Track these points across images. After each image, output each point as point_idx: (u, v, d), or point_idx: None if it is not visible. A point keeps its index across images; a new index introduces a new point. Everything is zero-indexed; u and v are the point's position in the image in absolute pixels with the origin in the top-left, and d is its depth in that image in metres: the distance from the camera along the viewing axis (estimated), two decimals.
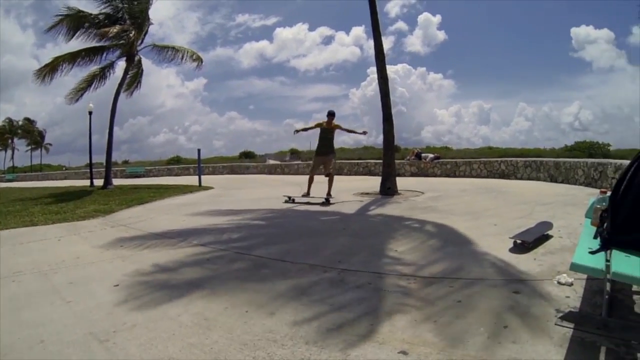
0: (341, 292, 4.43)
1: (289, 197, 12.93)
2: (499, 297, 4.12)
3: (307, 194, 13.04)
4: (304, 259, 5.82)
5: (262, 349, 3.22)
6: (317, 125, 13.18)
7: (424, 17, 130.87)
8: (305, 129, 13.84)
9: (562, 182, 16.07)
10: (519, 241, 5.99)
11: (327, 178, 13.04)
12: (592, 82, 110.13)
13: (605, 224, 3.85)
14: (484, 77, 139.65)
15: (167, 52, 25.53)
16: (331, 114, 12.98)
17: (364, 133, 14.32)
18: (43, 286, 5.17)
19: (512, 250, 5.81)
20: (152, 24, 25.23)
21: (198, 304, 4.26)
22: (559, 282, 4.41)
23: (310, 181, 13.47)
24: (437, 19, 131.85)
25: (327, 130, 13.03)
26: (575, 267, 3.17)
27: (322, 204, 11.99)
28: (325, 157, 13.15)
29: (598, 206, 4.37)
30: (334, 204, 11.98)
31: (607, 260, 3.34)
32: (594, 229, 4.27)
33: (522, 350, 3.04)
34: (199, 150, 23.47)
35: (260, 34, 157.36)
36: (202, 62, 26.10)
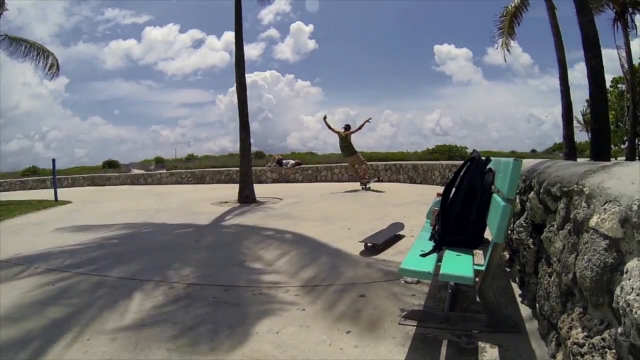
0: (184, 308, 4.30)
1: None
2: (345, 302, 4.18)
3: (362, 184, 16.42)
4: (152, 276, 5.57)
5: None
6: (337, 132, 16.33)
7: (296, 26, 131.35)
8: (329, 126, 16.58)
9: (420, 182, 17.16)
10: (369, 244, 6.16)
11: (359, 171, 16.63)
12: (452, 93, 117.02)
13: (437, 226, 4.03)
14: (351, 85, 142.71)
15: (21, 46, 22.67)
16: (346, 127, 16.43)
17: (369, 121, 16.92)
18: None
19: (362, 253, 5.98)
20: (7, 9, 22.17)
21: (52, 344, 3.75)
22: (405, 282, 4.57)
23: (355, 174, 17.36)
24: (310, 28, 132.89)
25: (343, 139, 16.12)
26: (403, 272, 3.33)
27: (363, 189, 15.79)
28: (350, 157, 16.53)
29: (435, 208, 4.58)
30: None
31: (439, 261, 3.48)
32: (429, 230, 4.47)
33: (363, 354, 3.09)
34: (53, 161, 22.00)
35: (130, 32, 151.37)
36: (58, 69, 23.54)
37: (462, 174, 3.98)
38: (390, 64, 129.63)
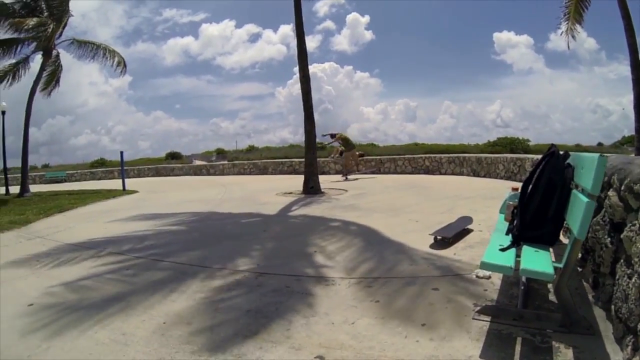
0: (258, 297, 4.38)
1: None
2: (418, 295, 4.17)
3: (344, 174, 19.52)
4: (223, 264, 5.73)
5: None
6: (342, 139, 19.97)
7: (352, 17, 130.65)
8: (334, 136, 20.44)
9: (484, 176, 16.67)
10: (439, 237, 6.10)
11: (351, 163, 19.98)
12: (513, 82, 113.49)
13: (515, 221, 3.97)
14: (410, 76, 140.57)
15: (88, 48, 23.98)
16: (332, 136, 20.22)
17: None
18: None
19: (432, 246, 5.92)
20: (72, 15, 23.52)
21: (116, 318, 4.08)
22: (477, 276, 4.52)
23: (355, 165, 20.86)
24: (366, 19, 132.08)
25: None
26: (485, 266, 3.24)
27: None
28: (351, 151, 19.80)
29: (510, 202, 4.50)
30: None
31: (518, 256, 3.43)
32: (507, 224, 4.40)
33: (439, 347, 3.07)
34: (121, 153, 22.64)
35: (188, 30, 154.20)
36: (125, 66, 24.72)
37: (540, 168, 3.90)
38: (449, 54, 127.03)
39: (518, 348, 3.04)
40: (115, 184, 23.94)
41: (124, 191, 19.60)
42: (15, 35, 21.79)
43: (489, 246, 3.80)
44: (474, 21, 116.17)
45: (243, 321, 3.80)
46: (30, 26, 20.60)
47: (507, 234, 4.15)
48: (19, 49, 22.57)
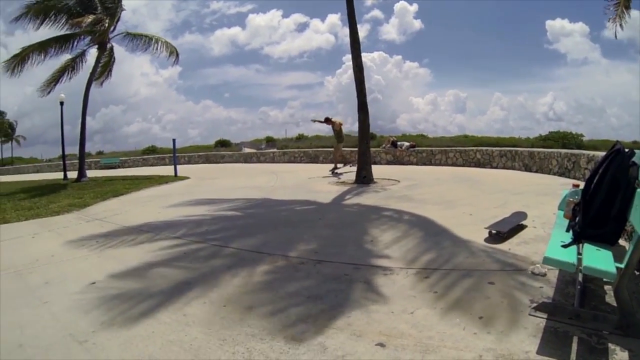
0: (317, 284, 4.47)
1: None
2: (475, 288, 4.18)
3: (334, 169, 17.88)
4: (281, 250, 5.84)
5: (241, 343, 3.24)
6: (333, 122, 17.97)
7: (400, 5, 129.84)
8: (320, 121, 18.60)
9: (536, 171, 16.18)
10: (494, 231, 6.05)
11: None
12: (566, 74, 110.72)
13: (577, 218, 3.91)
14: (460, 66, 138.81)
15: (140, 41, 24.72)
16: (325, 120, 18.05)
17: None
18: (18, 287, 5.11)
19: (487, 240, 5.88)
20: (124, 10, 24.34)
21: (176, 300, 4.25)
22: (532, 273, 4.47)
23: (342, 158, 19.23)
24: (414, 7, 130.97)
25: (333, 128, 17.99)
26: (547, 261, 3.24)
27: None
28: (342, 144, 18.29)
29: (570, 199, 4.44)
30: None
31: (579, 254, 3.41)
32: (567, 221, 4.34)
33: (496, 340, 3.10)
34: (174, 140, 23.16)
35: (235, 20, 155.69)
36: (177, 56, 25.44)
37: (605, 166, 3.84)
38: (500, 43, 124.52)
39: (574, 347, 3.03)
40: (166, 170, 24.39)
41: (176, 177, 20.04)
42: (71, 31, 22.60)
43: (550, 242, 3.78)
44: (525, 8, 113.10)
45: (303, 307, 3.89)
46: (87, 23, 21.24)
47: (567, 230, 4.11)
48: (75, 44, 23.47)
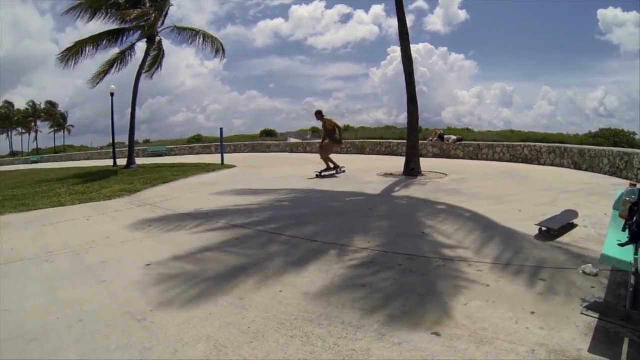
0: (372, 273, 4.52)
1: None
2: (526, 283, 4.18)
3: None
4: (334, 240, 5.90)
5: (299, 328, 3.34)
6: (335, 125, 15.27)
7: None
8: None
9: (586, 170, 15.70)
10: (544, 228, 5.97)
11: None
12: (619, 67, 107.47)
13: (635, 217, 3.81)
14: (507, 59, 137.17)
15: (187, 34, 25.41)
16: (316, 113, 15.53)
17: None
18: (76, 266, 5.35)
19: (537, 237, 5.83)
20: (172, 5, 25.07)
21: (231, 284, 4.37)
22: (584, 272, 4.44)
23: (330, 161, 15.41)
24: None
25: (324, 127, 15.53)
26: (605, 259, 3.28)
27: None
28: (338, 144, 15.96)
29: (627, 199, 4.34)
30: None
31: (635, 254, 3.34)
32: (622, 221, 4.24)
33: (548, 336, 3.11)
34: (221, 129, 23.27)
35: (279, 12, 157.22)
36: (224, 51, 26.05)
37: None
38: (549, 35, 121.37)
39: (625, 348, 3.01)
40: (213, 158, 24.68)
41: (223, 165, 20.22)
42: (121, 26, 23.45)
43: (607, 240, 3.81)
44: None
45: (358, 294, 3.97)
46: (135, 15, 22.12)
47: (623, 230, 4.02)
48: (125, 37, 24.22)
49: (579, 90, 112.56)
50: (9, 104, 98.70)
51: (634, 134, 34.83)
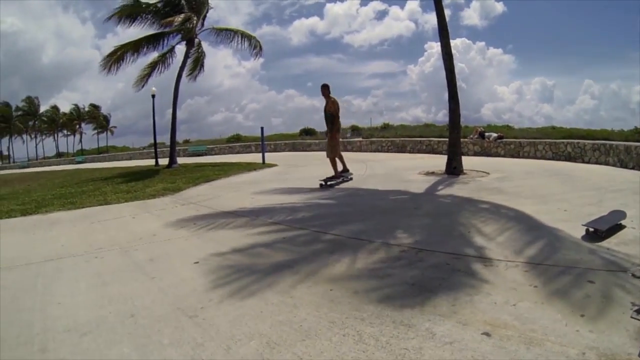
0: (420, 272, 4.54)
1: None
2: (574, 285, 4.14)
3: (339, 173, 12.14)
4: (381, 238, 5.93)
5: (351, 327, 3.39)
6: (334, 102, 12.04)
7: None
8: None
9: (633, 168, 15.16)
10: (591, 229, 5.87)
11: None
12: None
13: None
14: (547, 52, 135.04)
15: (226, 35, 25.88)
16: (322, 87, 12.12)
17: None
18: (125, 262, 5.54)
19: (584, 238, 5.74)
20: (211, 8, 25.87)
21: (281, 282, 4.45)
22: (633, 275, 4.37)
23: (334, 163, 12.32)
24: None
25: (324, 109, 12.09)
26: None
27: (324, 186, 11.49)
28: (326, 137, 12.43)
29: None
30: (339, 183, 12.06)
31: None
32: None
33: (598, 339, 3.08)
34: (262, 129, 23.42)
35: (314, 10, 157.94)
36: (261, 48, 26.26)
37: None
38: (590, 25, 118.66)
39: None
40: (253, 157, 24.95)
41: (264, 164, 20.40)
42: (161, 30, 24.17)
43: None
44: None
45: (408, 293, 4.02)
46: (178, 22, 22.56)
47: None
48: (165, 41, 24.99)
49: (623, 84, 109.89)
50: (55, 108, 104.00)
51: None
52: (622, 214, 6.59)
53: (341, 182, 12.08)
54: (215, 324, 3.49)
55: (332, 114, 11.85)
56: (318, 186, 11.27)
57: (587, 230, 5.86)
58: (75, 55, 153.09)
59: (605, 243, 5.49)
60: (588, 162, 17.45)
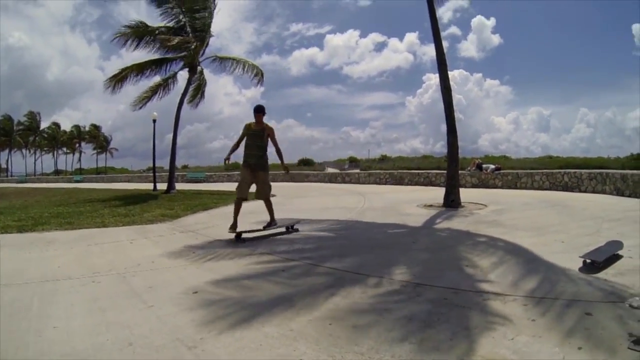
0: (419, 307, 4.53)
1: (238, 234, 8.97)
2: (572, 317, 4.15)
3: (235, 226, 9.12)
4: (379, 272, 5.92)
5: None
6: (243, 134, 9.60)
7: (477, 20, 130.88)
8: (234, 149, 9.77)
9: (629, 196, 15.43)
10: (588, 260, 5.92)
11: (264, 203, 9.95)
12: None
13: None
14: (543, 82, 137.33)
15: (228, 63, 26.51)
16: (259, 110, 9.66)
17: (286, 171, 10.65)
18: (123, 289, 5.49)
19: (581, 269, 5.78)
20: (212, 36, 26.31)
21: (280, 315, 4.43)
22: (631, 306, 4.35)
23: (238, 208, 9.57)
24: (491, 22, 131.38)
25: (256, 134, 9.58)
26: None
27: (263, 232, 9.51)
28: (254, 171, 9.71)
29: None
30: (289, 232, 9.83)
31: None
32: None
33: None
34: None
35: (315, 41, 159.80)
36: (262, 76, 26.82)
37: None
38: (584, 54, 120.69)
39: None
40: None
41: None
42: (164, 55, 24.86)
43: None
44: (608, 13, 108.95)
45: (407, 328, 4.00)
46: (178, 46, 23.16)
47: None
48: (168, 66, 25.67)
49: (618, 110, 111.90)
50: (56, 126, 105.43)
51: None
52: (619, 244, 6.66)
53: (276, 231, 9.72)
54: (216, 356, 3.47)
55: (275, 143, 9.80)
56: (317, 218, 11.39)
57: (584, 262, 5.91)
58: (79, 75, 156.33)
59: (602, 274, 5.55)
60: (585, 191, 17.69)
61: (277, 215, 10.05)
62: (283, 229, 9.76)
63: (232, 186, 27.87)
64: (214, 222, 11.47)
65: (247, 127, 9.54)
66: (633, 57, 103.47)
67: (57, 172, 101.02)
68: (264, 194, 9.82)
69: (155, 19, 24.42)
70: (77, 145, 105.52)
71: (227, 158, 10.05)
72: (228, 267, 6.43)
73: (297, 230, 9.81)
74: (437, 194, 15.26)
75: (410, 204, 14.67)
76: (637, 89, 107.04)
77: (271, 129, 9.71)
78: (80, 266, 6.61)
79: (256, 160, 9.60)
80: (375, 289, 5.17)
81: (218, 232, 9.56)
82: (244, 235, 8.94)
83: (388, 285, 5.32)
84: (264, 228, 9.56)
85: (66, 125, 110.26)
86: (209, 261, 6.89)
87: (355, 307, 4.59)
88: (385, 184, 28.01)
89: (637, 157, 29.90)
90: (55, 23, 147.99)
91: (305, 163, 48.80)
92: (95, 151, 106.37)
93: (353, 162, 46.81)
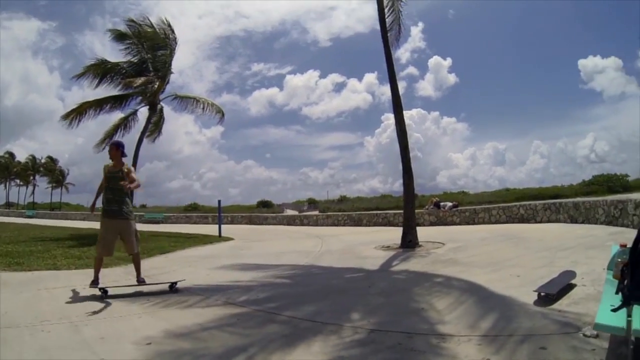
0: (373, 353, 4.48)
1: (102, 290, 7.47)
2: (526, 352, 4.21)
3: (96, 282, 7.76)
4: (335, 319, 5.84)
5: None
6: (104, 176, 8.33)
7: (434, 60, 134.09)
8: (98, 194, 8.69)
9: (582, 222, 16.04)
10: (543, 293, 6.05)
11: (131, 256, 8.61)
12: (605, 112, 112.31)
13: (626, 280, 3.88)
14: (497, 117, 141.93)
15: (188, 102, 26.96)
16: (117, 146, 8.51)
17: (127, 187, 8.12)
18: (74, 339, 5.19)
19: (536, 302, 5.89)
20: (172, 73, 26.38)
21: None
22: (584, 335, 4.49)
23: (100, 263, 8.22)
24: (448, 62, 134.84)
25: (115, 176, 8.15)
26: (598, 327, 3.43)
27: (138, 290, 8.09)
28: (117, 220, 8.27)
29: (619, 260, 4.43)
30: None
31: (629, 316, 3.40)
32: (616, 282, 4.30)
33: None
34: (219, 202, 23.96)
35: (275, 82, 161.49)
36: (223, 115, 27.49)
37: None
38: (535, 90, 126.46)
39: None
40: (210, 229, 24.84)
41: (220, 237, 20.47)
42: (124, 92, 24.86)
43: (600, 306, 3.86)
44: (555, 52, 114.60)
45: None
46: (139, 84, 22.95)
47: (617, 292, 4.08)
48: (128, 102, 25.80)
49: (569, 140, 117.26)
50: (10, 155, 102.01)
51: (627, 176, 35.53)
52: (572, 274, 6.88)
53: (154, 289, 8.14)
54: None
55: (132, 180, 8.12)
56: (275, 263, 11.35)
57: (539, 295, 6.04)
58: (38, 103, 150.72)
59: (557, 305, 5.68)
60: (541, 222, 18.24)
61: (234, 261, 10.55)
62: (165, 287, 8.16)
63: (190, 228, 27.89)
64: (171, 267, 11.19)
65: (105, 169, 8.27)
66: (580, 90, 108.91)
67: (8, 204, 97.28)
68: (133, 247, 8.33)
69: (119, 53, 24.61)
70: (32, 177, 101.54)
71: (93, 205, 8.95)
72: (183, 316, 6.25)
73: (176, 291, 7.99)
74: (395, 234, 15.28)
75: (368, 246, 14.71)
76: (585, 119, 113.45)
77: (129, 169, 8.31)
78: (28, 313, 6.22)
79: (118, 206, 8.18)
80: (331, 338, 5.06)
81: (175, 278, 9.15)
82: (110, 292, 7.43)
83: (343, 333, 5.22)
84: (139, 283, 8.22)
85: (21, 156, 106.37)
86: (163, 309, 6.68)
87: (311, 357, 4.49)
88: (344, 225, 28.12)
89: (588, 183, 31.22)
90: (16, 47, 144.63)
91: (264, 205, 48.88)
92: (50, 185, 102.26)
93: (312, 203, 47.05)
